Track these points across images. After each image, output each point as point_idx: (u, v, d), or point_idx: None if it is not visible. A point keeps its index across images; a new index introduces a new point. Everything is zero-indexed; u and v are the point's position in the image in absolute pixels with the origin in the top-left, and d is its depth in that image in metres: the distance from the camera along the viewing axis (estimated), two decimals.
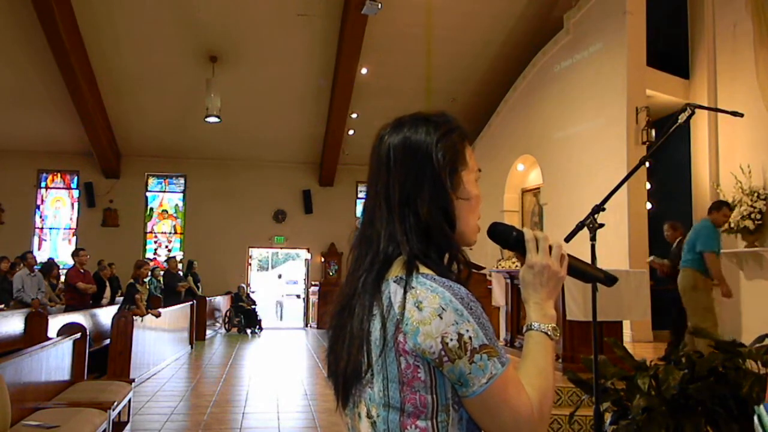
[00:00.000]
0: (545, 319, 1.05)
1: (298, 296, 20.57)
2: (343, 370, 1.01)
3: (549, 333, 1.04)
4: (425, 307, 0.93)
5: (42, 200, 15.27)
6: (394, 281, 0.98)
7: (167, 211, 15.75)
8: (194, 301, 11.73)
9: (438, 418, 0.94)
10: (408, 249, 0.99)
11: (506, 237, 1.09)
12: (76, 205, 15.28)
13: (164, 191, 15.79)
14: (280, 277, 29.71)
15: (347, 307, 1.03)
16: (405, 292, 0.95)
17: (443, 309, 0.92)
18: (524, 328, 1.07)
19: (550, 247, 1.07)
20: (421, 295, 0.94)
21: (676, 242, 6.84)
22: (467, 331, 0.92)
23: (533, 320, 1.05)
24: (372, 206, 1.06)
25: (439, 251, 1.02)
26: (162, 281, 10.92)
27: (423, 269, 0.98)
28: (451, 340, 0.91)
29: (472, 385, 0.92)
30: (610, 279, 1.17)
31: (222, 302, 14.62)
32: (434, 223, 1.01)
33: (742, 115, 3.56)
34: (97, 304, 9.09)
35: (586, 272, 1.16)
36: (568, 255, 1.10)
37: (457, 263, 1.04)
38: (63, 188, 15.37)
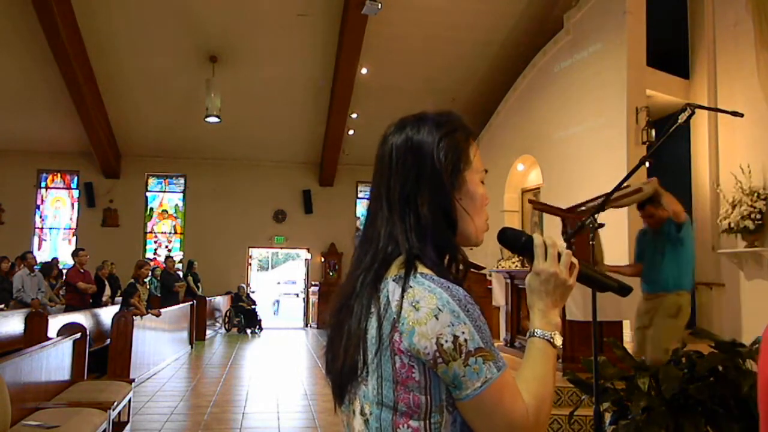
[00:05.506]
0: (549, 327, 1.04)
1: (297, 295, 20.58)
2: (340, 367, 1.01)
3: (552, 341, 1.03)
4: (422, 307, 0.92)
5: (42, 200, 15.27)
6: (393, 280, 0.97)
7: (167, 211, 15.75)
8: (194, 301, 11.73)
9: (431, 419, 0.93)
10: (407, 248, 0.99)
11: (515, 242, 1.08)
12: (76, 205, 15.28)
13: (164, 191, 15.78)
14: (279, 284, 29.84)
15: (346, 306, 1.02)
16: (403, 291, 0.95)
17: (440, 310, 0.91)
18: (527, 334, 1.06)
19: (559, 255, 1.05)
20: (418, 295, 0.93)
21: None
22: (463, 333, 0.91)
23: (536, 327, 1.04)
24: (374, 206, 1.05)
25: (439, 251, 1.01)
26: (159, 281, 10.95)
27: (422, 269, 0.97)
28: (446, 341, 0.90)
29: (465, 388, 0.91)
30: (623, 288, 1.15)
31: (222, 302, 14.62)
32: (434, 222, 1.00)
33: (742, 115, 3.55)
34: (97, 304, 9.09)
35: (598, 281, 1.14)
36: (580, 262, 1.07)
37: (455, 264, 1.03)
38: (63, 188, 15.36)
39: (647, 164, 6.56)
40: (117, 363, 7.06)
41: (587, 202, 5.84)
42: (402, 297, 0.94)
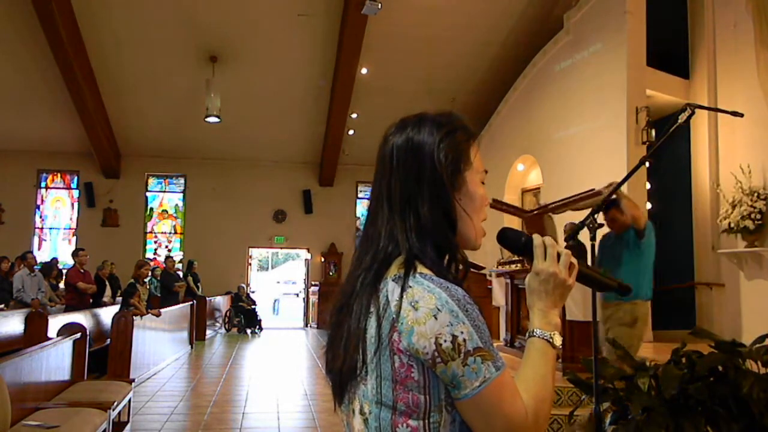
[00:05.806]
0: (548, 327, 1.04)
1: (297, 295, 20.58)
2: (340, 367, 1.01)
3: (551, 341, 1.03)
4: (421, 307, 0.92)
5: (42, 200, 15.27)
6: (393, 280, 0.97)
7: (167, 211, 15.75)
8: (194, 301, 11.73)
9: (430, 419, 0.93)
10: (407, 247, 0.99)
11: (515, 242, 1.08)
12: (76, 205, 15.28)
13: (164, 191, 15.78)
14: (278, 283, 29.88)
15: (346, 306, 1.03)
16: (402, 291, 0.95)
17: (438, 310, 0.92)
18: (527, 334, 1.06)
19: (559, 255, 1.05)
20: (417, 295, 0.93)
21: None
22: (461, 333, 0.91)
23: (536, 327, 1.04)
24: (375, 206, 1.06)
25: (439, 251, 1.02)
26: (159, 281, 10.95)
27: (421, 269, 0.97)
28: (445, 341, 0.90)
29: (464, 388, 0.91)
30: (623, 288, 1.16)
31: (222, 302, 14.62)
32: (434, 222, 1.01)
33: (742, 115, 3.55)
34: (97, 304, 9.08)
35: (597, 280, 1.15)
36: (580, 263, 1.08)
37: (455, 264, 1.03)
38: (63, 188, 15.36)
39: (647, 164, 6.57)
40: (117, 363, 7.05)
41: (548, 204, 5.81)
42: (401, 297, 0.94)
